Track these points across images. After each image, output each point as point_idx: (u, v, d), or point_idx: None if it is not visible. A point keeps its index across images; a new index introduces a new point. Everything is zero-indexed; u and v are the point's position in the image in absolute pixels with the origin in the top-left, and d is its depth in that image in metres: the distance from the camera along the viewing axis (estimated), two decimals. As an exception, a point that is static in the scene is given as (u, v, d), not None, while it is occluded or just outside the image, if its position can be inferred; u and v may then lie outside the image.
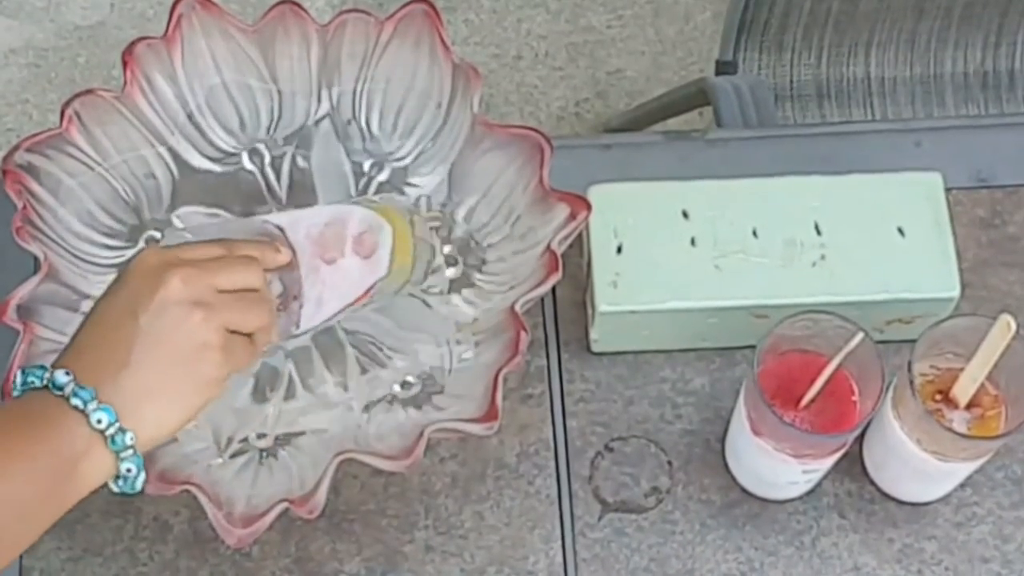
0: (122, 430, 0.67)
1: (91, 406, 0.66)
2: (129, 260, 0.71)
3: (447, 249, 0.90)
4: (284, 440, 0.85)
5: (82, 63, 1.85)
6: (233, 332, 0.71)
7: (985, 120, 1.24)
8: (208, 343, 0.69)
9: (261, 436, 0.85)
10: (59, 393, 0.66)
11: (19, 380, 0.68)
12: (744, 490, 0.91)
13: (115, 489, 0.69)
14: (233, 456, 0.84)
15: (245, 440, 0.85)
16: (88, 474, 0.67)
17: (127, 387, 0.67)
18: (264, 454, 0.84)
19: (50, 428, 0.66)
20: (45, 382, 0.67)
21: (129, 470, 0.68)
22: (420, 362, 0.87)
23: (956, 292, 0.88)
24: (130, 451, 0.67)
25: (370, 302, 0.84)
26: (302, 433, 0.85)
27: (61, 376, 0.66)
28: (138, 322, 0.68)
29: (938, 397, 0.82)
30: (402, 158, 0.91)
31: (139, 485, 0.69)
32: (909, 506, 0.90)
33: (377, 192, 0.91)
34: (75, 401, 0.66)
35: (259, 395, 0.87)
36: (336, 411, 0.86)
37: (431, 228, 0.89)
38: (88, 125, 0.86)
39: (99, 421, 0.66)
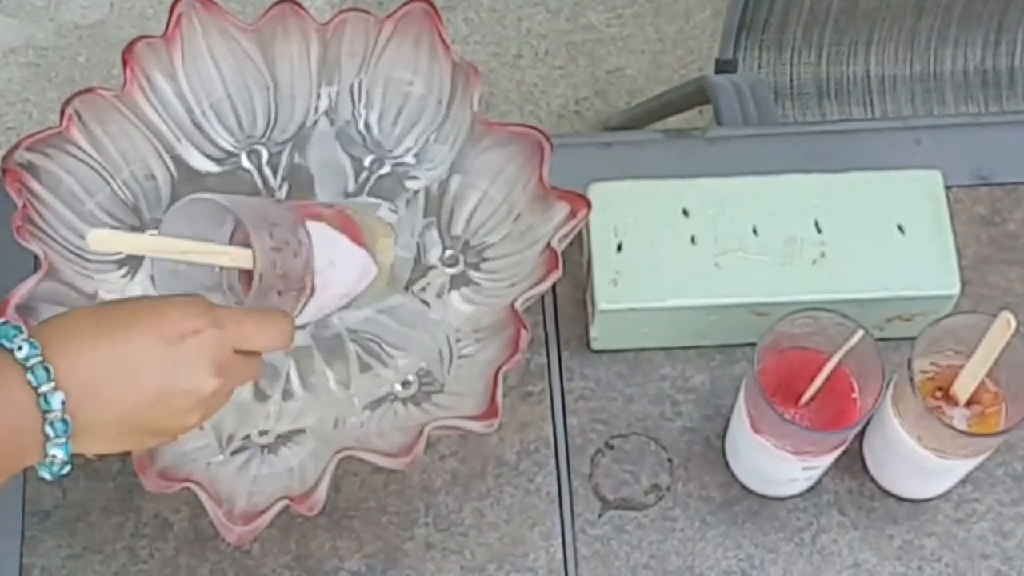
0: (64, 420, 0.65)
1: (45, 387, 0.65)
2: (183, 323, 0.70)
3: (447, 252, 0.90)
4: (285, 437, 0.85)
5: (82, 62, 1.85)
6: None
7: (985, 118, 1.25)
8: (199, 411, 0.69)
9: (263, 433, 0.85)
10: (18, 356, 0.65)
11: None
12: (744, 487, 0.91)
13: (45, 476, 0.68)
14: (234, 453, 0.84)
15: (247, 437, 0.85)
16: (23, 449, 0.66)
17: (100, 414, 0.67)
18: (265, 451, 0.84)
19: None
20: (11, 346, 0.65)
21: (55, 457, 0.66)
22: (420, 360, 0.87)
23: (956, 289, 0.88)
24: (61, 439, 0.66)
25: (357, 304, 0.84)
26: (303, 431, 0.85)
27: (56, 399, 0.65)
28: (156, 354, 0.67)
29: (938, 394, 0.82)
30: (401, 156, 0.91)
31: (63, 472, 0.68)
32: (909, 503, 0.90)
33: (377, 190, 0.91)
34: (30, 377, 0.65)
35: (260, 393, 0.87)
36: (337, 409, 0.86)
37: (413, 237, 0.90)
38: (88, 124, 0.86)
39: (57, 433, 0.65)
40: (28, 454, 0.66)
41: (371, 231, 0.85)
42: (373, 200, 0.90)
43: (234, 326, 0.70)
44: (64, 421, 0.65)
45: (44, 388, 0.64)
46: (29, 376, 0.64)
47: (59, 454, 0.66)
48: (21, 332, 0.65)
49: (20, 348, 0.65)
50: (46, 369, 0.64)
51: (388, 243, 0.87)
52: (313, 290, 0.78)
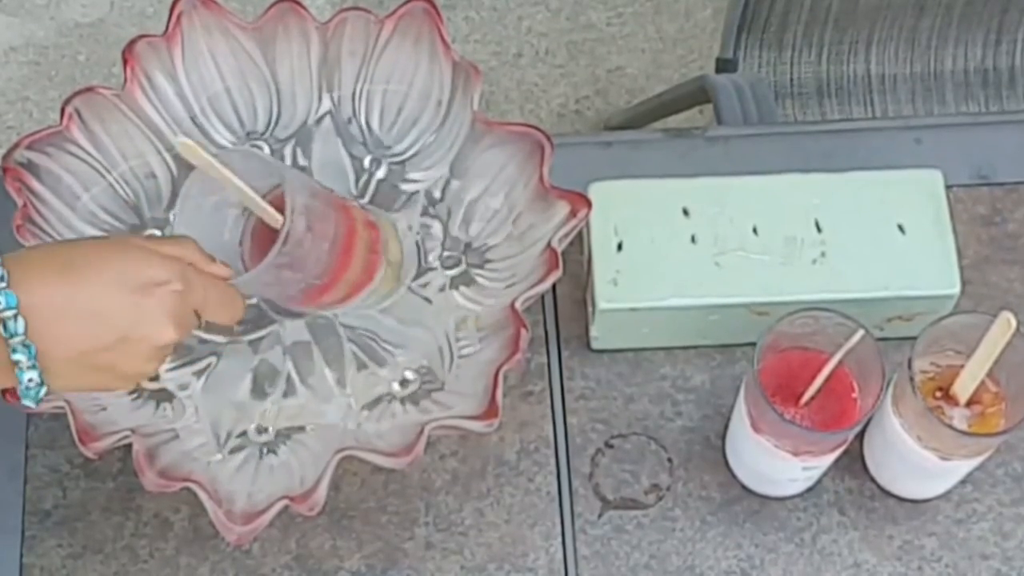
0: (41, 384, 0.67)
1: (7, 313, 0.65)
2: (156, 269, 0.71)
3: (447, 253, 0.90)
4: (284, 436, 0.85)
5: (82, 61, 1.85)
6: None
7: (985, 117, 1.24)
8: (157, 358, 0.71)
9: (261, 431, 0.85)
10: None
11: None
12: (744, 487, 0.91)
13: (30, 404, 0.69)
14: (233, 451, 0.84)
15: (244, 435, 0.85)
16: None
17: (61, 351, 0.67)
18: (264, 450, 0.84)
19: None
20: None
21: (31, 381, 0.67)
22: (419, 358, 0.87)
23: (956, 289, 0.88)
24: (30, 361, 0.67)
25: (366, 304, 0.84)
26: (302, 429, 0.85)
27: (18, 325, 0.66)
28: (119, 300, 0.68)
29: (938, 394, 0.82)
30: (401, 154, 0.91)
31: (41, 395, 0.69)
32: (909, 503, 0.90)
33: (377, 189, 0.91)
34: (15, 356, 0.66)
35: (258, 391, 0.87)
36: (336, 408, 0.86)
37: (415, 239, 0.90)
38: (88, 123, 0.86)
39: (31, 380, 0.66)
40: None
41: (384, 230, 0.85)
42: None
43: (200, 290, 0.72)
44: (27, 346, 0.66)
45: (6, 313, 0.65)
46: None
47: (34, 377, 0.67)
48: None
49: None
50: (7, 296, 0.65)
51: (396, 242, 0.87)
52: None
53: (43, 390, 0.68)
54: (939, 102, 1.37)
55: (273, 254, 0.74)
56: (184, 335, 0.72)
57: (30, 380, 0.67)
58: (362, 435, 0.84)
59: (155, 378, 0.86)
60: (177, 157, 0.90)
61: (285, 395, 0.87)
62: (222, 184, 0.76)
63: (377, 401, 0.86)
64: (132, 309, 0.68)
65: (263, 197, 0.78)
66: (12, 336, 0.66)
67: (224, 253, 0.78)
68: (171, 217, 0.90)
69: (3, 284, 0.65)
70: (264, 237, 0.78)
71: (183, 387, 0.86)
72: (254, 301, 0.88)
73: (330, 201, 0.81)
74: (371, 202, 0.90)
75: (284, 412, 0.86)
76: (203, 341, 0.88)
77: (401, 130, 0.91)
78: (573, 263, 0.92)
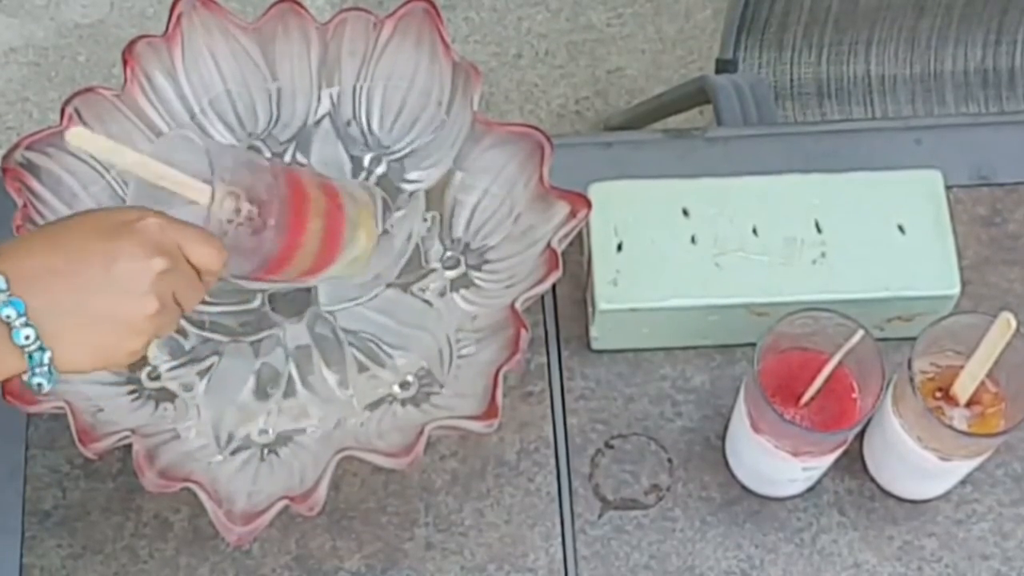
0: (41, 349, 0.66)
1: (18, 321, 0.65)
2: (129, 211, 0.71)
3: (448, 253, 0.90)
4: (285, 437, 0.85)
5: (82, 61, 1.85)
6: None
7: (985, 118, 1.24)
8: (153, 293, 0.68)
9: (263, 432, 0.85)
10: None
11: None
12: (744, 487, 0.91)
13: (44, 383, 0.68)
14: (234, 452, 0.84)
15: (246, 436, 0.85)
16: None
17: (56, 305, 0.67)
18: (265, 450, 0.84)
19: None
20: None
21: (40, 384, 0.67)
22: (420, 360, 0.87)
23: (956, 290, 0.88)
24: (44, 368, 0.67)
25: (336, 273, 0.84)
26: (303, 430, 0.85)
27: None
28: (99, 243, 0.68)
29: (938, 394, 0.82)
30: (401, 155, 0.91)
31: (45, 391, 0.68)
32: (909, 503, 0.90)
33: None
34: (3, 312, 0.65)
35: (261, 392, 0.87)
36: (336, 409, 0.86)
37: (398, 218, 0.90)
38: (88, 123, 0.86)
39: (27, 337, 0.66)
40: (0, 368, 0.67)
41: (354, 201, 0.84)
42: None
43: (177, 223, 0.71)
44: (13, 303, 0.66)
45: (0, 298, 0.65)
46: None
47: (30, 334, 0.66)
48: None
49: None
50: None
51: (369, 215, 0.86)
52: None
53: (47, 355, 0.67)
54: (939, 103, 1.37)
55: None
56: (182, 279, 0.70)
57: (27, 338, 0.66)
58: (362, 435, 0.84)
59: (156, 377, 0.86)
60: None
61: (285, 396, 0.87)
62: (145, 178, 0.74)
63: (378, 403, 0.86)
64: (110, 245, 0.68)
65: (229, 192, 0.76)
66: (10, 320, 0.65)
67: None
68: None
69: (22, 317, 0.65)
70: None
71: (187, 387, 0.86)
72: (256, 304, 0.88)
73: (276, 173, 0.78)
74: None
75: (285, 413, 0.86)
76: (205, 340, 0.88)
77: (401, 130, 0.91)
78: (573, 263, 0.92)
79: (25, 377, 0.68)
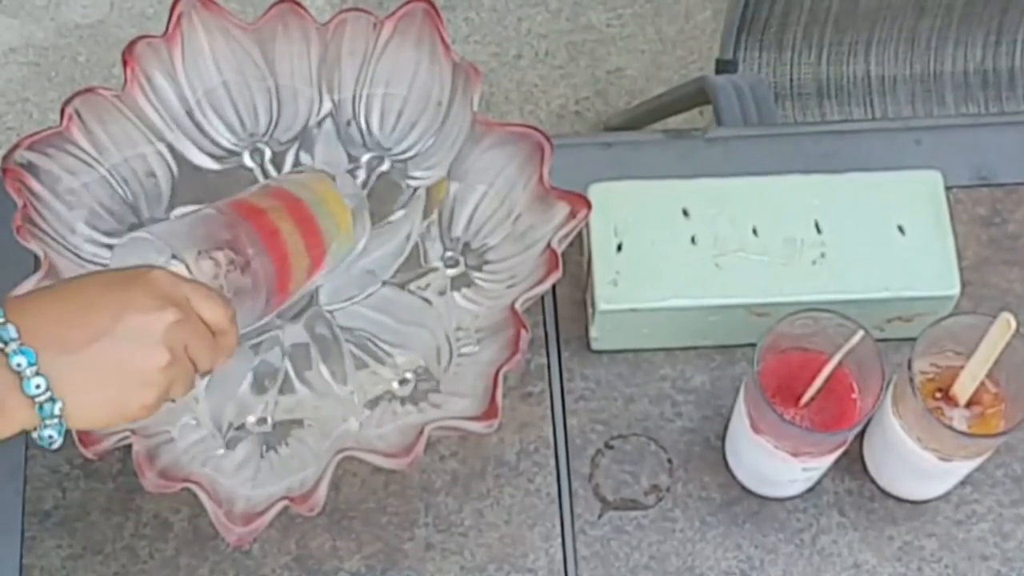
0: (52, 400, 0.65)
1: (29, 371, 0.65)
2: (137, 267, 0.70)
3: (447, 253, 0.90)
4: (284, 432, 0.85)
5: (82, 62, 1.85)
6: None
7: (985, 118, 1.24)
8: (164, 344, 0.68)
9: (261, 421, 0.85)
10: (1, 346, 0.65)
11: None
12: (744, 488, 0.91)
13: (55, 436, 0.67)
14: (232, 443, 0.84)
15: (242, 427, 0.85)
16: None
17: (66, 355, 0.66)
18: (265, 448, 0.84)
19: None
20: None
21: (51, 437, 0.66)
22: (419, 358, 0.87)
23: (956, 290, 0.88)
24: (55, 420, 0.66)
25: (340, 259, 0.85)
26: (301, 424, 0.85)
27: (10, 331, 0.65)
28: (110, 293, 0.67)
29: (938, 395, 0.82)
30: (401, 154, 0.91)
31: (56, 446, 0.67)
32: (909, 504, 0.90)
33: (376, 190, 0.91)
34: (14, 361, 0.64)
35: (258, 386, 0.87)
36: (335, 407, 0.86)
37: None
38: (88, 123, 0.86)
39: (38, 387, 0.65)
40: (10, 420, 0.66)
41: (303, 186, 0.84)
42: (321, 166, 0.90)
43: (185, 279, 0.71)
44: (24, 352, 0.65)
45: (11, 347, 0.64)
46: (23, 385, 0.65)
47: (40, 383, 0.65)
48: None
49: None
50: (6, 328, 0.65)
51: (326, 187, 0.86)
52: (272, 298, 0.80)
53: (57, 405, 0.65)
54: (939, 103, 1.37)
55: None
56: (192, 332, 0.69)
57: (38, 387, 0.65)
58: (362, 435, 0.84)
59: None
60: (178, 157, 0.90)
61: (282, 392, 0.87)
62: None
63: (377, 400, 0.86)
64: (119, 294, 0.67)
65: (198, 253, 0.77)
66: (6, 343, 0.64)
67: None
68: (170, 217, 0.90)
69: (32, 367, 0.65)
70: None
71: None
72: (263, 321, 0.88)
73: (223, 210, 0.79)
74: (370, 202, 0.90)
75: (282, 405, 0.86)
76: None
77: (401, 131, 0.91)
78: (573, 264, 0.92)
79: (35, 432, 0.66)
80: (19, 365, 0.64)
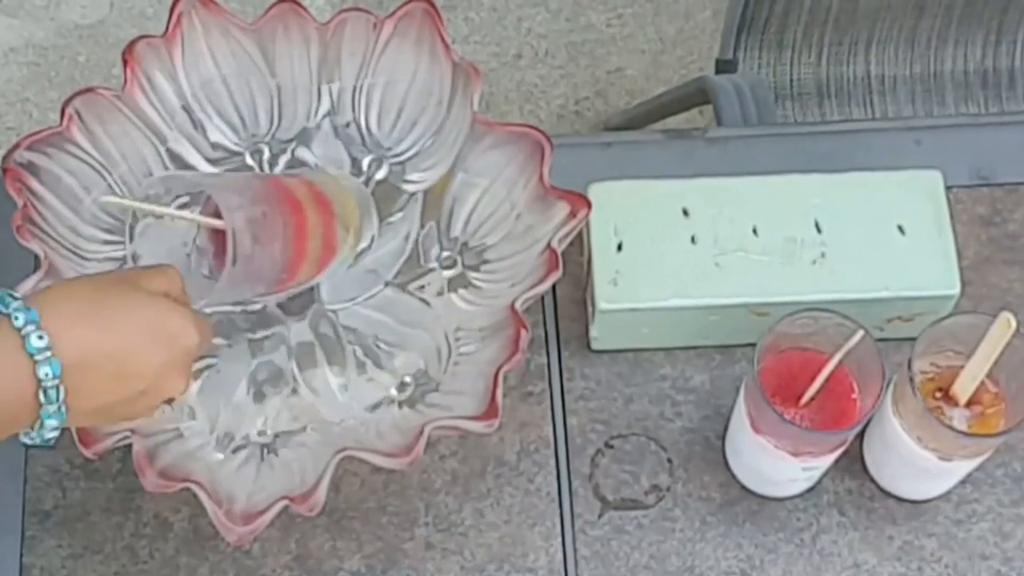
0: (57, 387, 0.66)
1: (42, 355, 0.66)
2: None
3: (445, 253, 0.90)
4: (285, 437, 0.85)
5: (82, 62, 1.85)
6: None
7: (985, 118, 1.24)
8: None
9: (261, 433, 0.85)
10: (12, 321, 0.66)
11: None
12: (744, 488, 0.91)
13: (27, 441, 0.69)
14: (235, 451, 0.84)
15: (246, 436, 0.85)
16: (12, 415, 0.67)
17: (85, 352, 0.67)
18: (265, 450, 0.84)
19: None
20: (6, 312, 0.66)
21: (54, 428, 0.68)
22: (419, 358, 0.87)
23: (956, 290, 0.88)
24: (54, 407, 0.67)
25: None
26: (303, 430, 0.85)
27: (29, 319, 0.66)
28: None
29: (938, 395, 0.82)
30: (401, 155, 0.91)
31: (51, 439, 0.69)
32: (909, 503, 0.90)
33: (376, 190, 0.91)
34: (30, 346, 0.65)
35: (259, 394, 0.87)
36: (336, 409, 0.86)
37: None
38: (88, 123, 0.86)
39: (46, 374, 0.66)
40: (17, 421, 0.67)
41: (338, 198, 0.85)
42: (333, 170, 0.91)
43: (207, 336, 0.75)
44: (57, 390, 0.66)
45: (42, 356, 0.66)
46: (25, 344, 0.65)
47: (55, 424, 0.67)
48: (16, 299, 0.67)
49: (16, 317, 0.66)
50: (40, 337, 0.66)
51: (352, 204, 0.87)
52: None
53: (55, 433, 0.68)
54: (939, 103, 1.37)
55: (225, 275, 0.75)
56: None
57: (52, 427, 0.67)
58: (362, 435, 0.84)
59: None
60: (177, 157, 0.90)
61: (287, 395, 0.87)
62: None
63: (376, 405, 0.86)
64: (157, 366, 0.70)
65: (204, 207, 0.79)
66: (45, 379, 0.66)
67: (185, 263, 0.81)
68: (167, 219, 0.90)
69: (35, 327, 0.66)
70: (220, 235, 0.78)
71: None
72: (259, 307, 0.89)
73: (271, 197, 0.80)
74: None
75: (285, 413, 0.86)
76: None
77: (401, 131, 0.91)
78: (573, 263, 0.92)
79: (35, 422, 0.68)
80: (46, 408, 0.66)
